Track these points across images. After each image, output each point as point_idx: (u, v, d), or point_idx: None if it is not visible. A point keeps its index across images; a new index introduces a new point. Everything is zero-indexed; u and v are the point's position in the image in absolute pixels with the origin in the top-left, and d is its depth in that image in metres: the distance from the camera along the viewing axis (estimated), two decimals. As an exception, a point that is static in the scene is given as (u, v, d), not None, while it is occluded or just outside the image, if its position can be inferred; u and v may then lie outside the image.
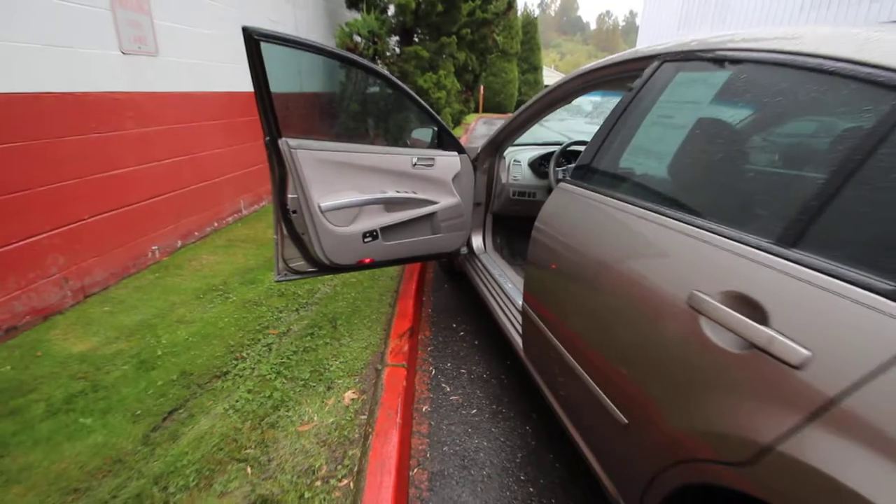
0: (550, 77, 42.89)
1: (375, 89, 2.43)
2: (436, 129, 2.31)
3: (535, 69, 32.23)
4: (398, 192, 2.19)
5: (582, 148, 2.60)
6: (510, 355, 2.26)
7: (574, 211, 1.35)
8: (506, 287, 2.18)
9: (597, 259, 1.18)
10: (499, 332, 2.06)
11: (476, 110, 21.50)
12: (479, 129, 16.75)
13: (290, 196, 1.95)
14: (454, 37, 5.61)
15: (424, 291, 2.93)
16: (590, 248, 1.22)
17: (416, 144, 2.41)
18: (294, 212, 1.98)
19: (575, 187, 1.40)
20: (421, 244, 2.34)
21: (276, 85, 1.70)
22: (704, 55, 1.13)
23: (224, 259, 3.07)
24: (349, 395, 1.82)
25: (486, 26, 8.39)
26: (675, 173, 1.12)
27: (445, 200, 2.34)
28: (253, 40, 1.57)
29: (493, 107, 26.50)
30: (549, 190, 2.56)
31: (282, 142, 1.84)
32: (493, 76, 25.26)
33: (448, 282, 3.11)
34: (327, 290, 2.70)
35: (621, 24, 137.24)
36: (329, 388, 1.85)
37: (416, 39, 5.45)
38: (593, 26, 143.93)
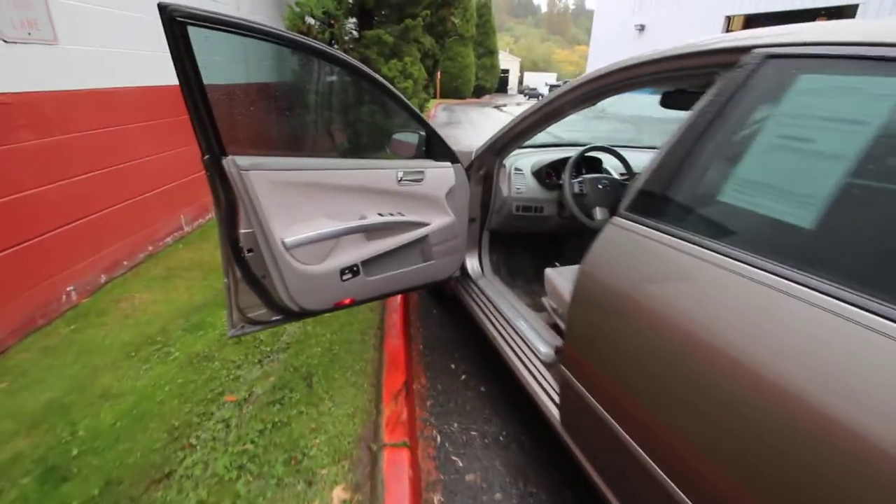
0: (507, 61, 42.60)
1: (344, 85, 1.96)
2: (423, 133, 1.88)
3: (491, 53, 31.85)
4: (382, 215, 1.76)
5: (602, 155, 2.24)
6: (526, 406, 1.89)
7: (648, 261, 0.98)
8: (518, 326, 1.81)
9: (700, 338, 0.82)
10: (510, 378, 1.68)
11: (434, 96, 21.04)
12: (439, 115, 16.24)
13: (242, 231, 1.47)
14: (419, 19, 5.09)
15: (411, 322, 2.51)
16: (685, 318, 0.85)
17: (398, 151, 1.97)
18: (250, 251, 1.50)
19: (644, 227, 1.02)
20: (411, 275, 1.92)
21: (216, 80, 1.22)
22: (852, 54, 0.78)
23: (162, 296, 2.51)
24: (339, 492, 1.40)
25: (444, 8, 7.88)
26: (835, 227, 0.76)
27: (438, 221, 1.92)
28: (176, 23, 1.09)
29: (450, 92, 25.98)
30: (560, 204, 2.19)
31: (227, 161, 1.37)
32: (449, 60, 24.70)
33: (437, 306, 2.70)
34: (296, 332, 2.23)
35: (571, 6, 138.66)
36: (310, 485, 1.42)
37: (377, 22, 4.91)
38: (544, 9, 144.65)
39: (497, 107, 23.06)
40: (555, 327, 1.86)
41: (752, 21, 16.82)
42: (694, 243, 0.90)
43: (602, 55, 19.45)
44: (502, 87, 38.93)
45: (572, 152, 2.12)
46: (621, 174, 2.23)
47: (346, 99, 2.10)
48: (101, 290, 2.55)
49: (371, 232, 1.72)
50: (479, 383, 2.07)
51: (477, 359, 2.22)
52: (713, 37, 1.08)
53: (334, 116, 2.19)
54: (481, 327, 1.99)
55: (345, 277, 1.68)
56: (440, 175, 1.89)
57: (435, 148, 1.89)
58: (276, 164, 1.47)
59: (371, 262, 1.74)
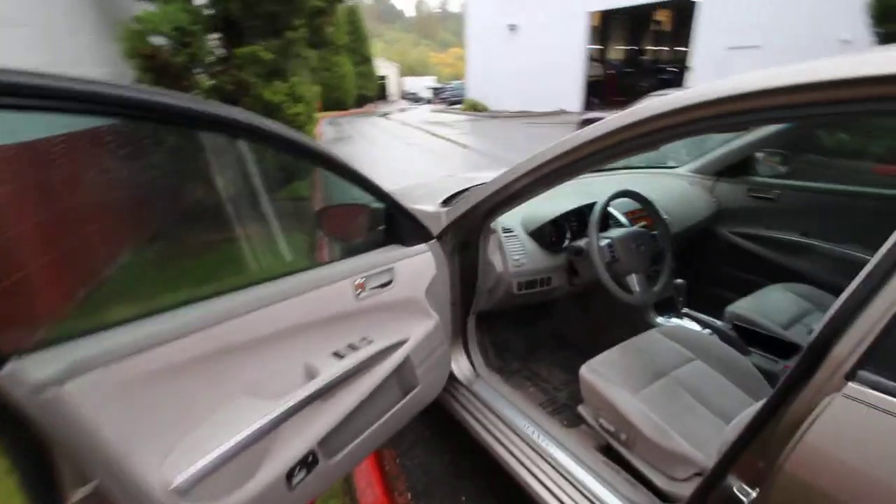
0: (384, 68, 42.00)
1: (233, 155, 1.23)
2: (380, 206, 1.24)
3: (367, 60, 31.15)
4: (340, 355, 1.09)
5: (630, 203, 1.74)
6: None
7: None
8: (560, 461, 1.26)
9: None
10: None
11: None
12: (326, 131, 15.14)
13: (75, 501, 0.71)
14: (302, 30, 4.28)
15: (386, 457, 1.81)
16: None
17: (338, 233, 1.31)
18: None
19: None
20: (392, 421, 1.27)
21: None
22: None
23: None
24: None
25: (321, 16, 7.09)
26: None
27: (420, 329, 1.31)
28: None
29: (331, 104, 24.80)
30: (572, 271, 1.66)
31: (5, 374, 0.61)
32: (326, 71, 23.51)
33: (417, 422, 2.02)
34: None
35: (436, 10, 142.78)
36: None
37: (248, 36, 4.02)
38: (409, 13, 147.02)
39: (383, 115, 22.45)
40: (606, 451, 1.33)
41: (608, 16, 18.31)
42: None
43: (479, 56, 19.87)
44: (382, 94, 38.48)
45: (570, 199, 1.62)
46: (635, 221, 1.77)
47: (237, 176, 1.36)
48: None
49: (327, 391, 1.03)
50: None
51: (498, 497, 1.60)
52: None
53: (227, 210, 1.43)
54: (491, 452, 1.39)
55: (296, 480, 0.98)
56: (416, 267, 1.26)
57: (401, 225, 1.25)
58: (123, 345, 0.73)
59: (334, 434, 1.06)
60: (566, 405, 1.73)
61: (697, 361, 1.42)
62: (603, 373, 1.33)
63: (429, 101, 32.47)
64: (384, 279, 1.18)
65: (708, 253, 2.26)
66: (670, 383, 1.32)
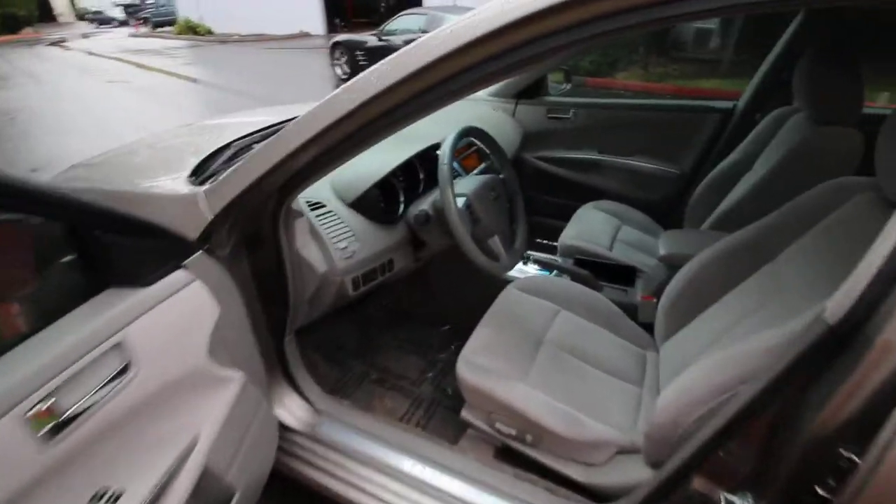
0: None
1: None
2: (49, 211, 0.55)
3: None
4: None
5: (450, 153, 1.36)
6: None
7: None
8: (440, 485, 0.98)
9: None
10: None
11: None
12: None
13: None
14: None
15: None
16: None
17: None
18: None
19: None
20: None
21: None
22: None
23: None
24: None
25: None
26: None
27: (217, 411, 0.76)
28: None
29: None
30: (417, 242, 1.23)
31: None
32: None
33: None
34: None
35: None
36: None
37: None
38: None
39: (57, 43, 16.28)
40: (502, 453, 1.10)
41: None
42: None
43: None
44: (47, 13, 27.84)
45: (386, 149, 1.15)
46: (464, 162, 1.42)
47: None
48: None
49: None
50: None
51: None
52: None
53: None
54: None
55: None
56: (173, 319, 0.66)
57: (118, 247, 0.61)
58: None
59: None
60: (435, 401, 1.42)
61: (563, 312, 1.29)
62: (483, 364, 1.06)
63: (124, 24, 24.90)
64: (106, 372, 0.55)
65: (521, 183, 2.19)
66: (551, 349, 1.16)
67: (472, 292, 1.47)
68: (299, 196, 0.99)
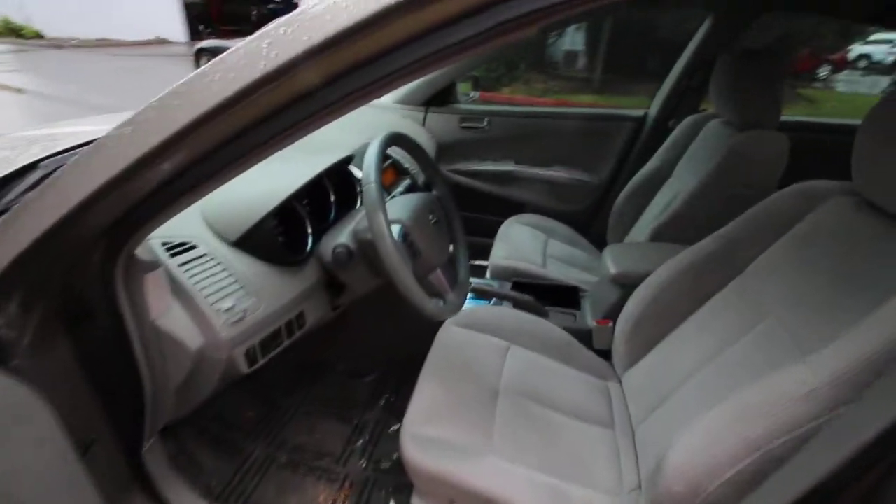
0: None
1: None
2: None
3: None
4: None
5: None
6: None
7: None
8: None
9: None
10: None
11: None
12: None
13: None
14: None
15: None
16: None
17: None
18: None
19: None
20: None
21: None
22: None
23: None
24: None
25: None
26: None
27: None
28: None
29: None
30: (335, 286, 0.93)
31: None
32: None
33: None
34: None
35: None
36: None
37: None
38: None
39: None
40: None
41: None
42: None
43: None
44: None
45: (279, 162, 0.85)
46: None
47: None
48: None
49: None
50: None
51: None
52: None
53: None
54: None
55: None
56: None
57: None
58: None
59: None
60: (370, 482, 1.12)
61: (514, 348, 1.13)
62: (435, 437, 0.83)
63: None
64: None
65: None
66: (510, 399, 0.97)
67: (398, 330, 1.22)
68: (150, 237, 0.65)
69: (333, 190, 0.99)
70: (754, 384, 0.69)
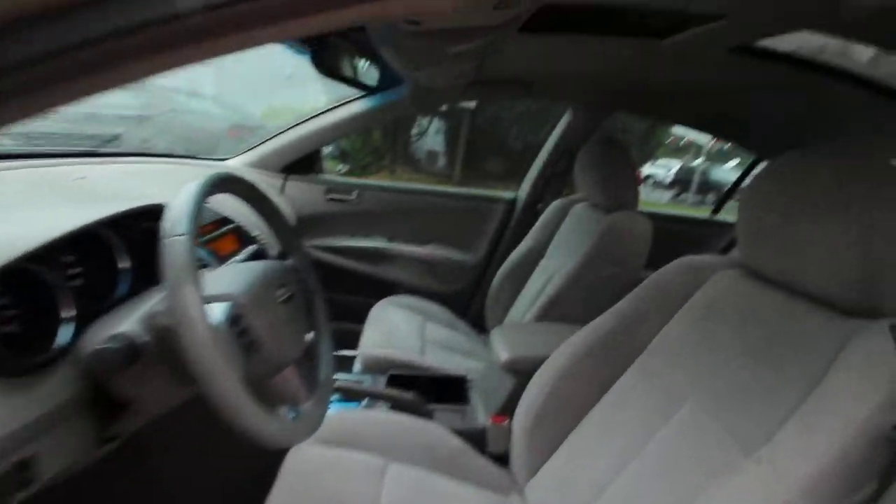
0: None
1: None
2: None
3: None
4: None
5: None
6: None
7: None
8: None
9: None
10: None
11: None
12: None
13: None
14: None
15: None
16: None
17: None
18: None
19: None
20: None
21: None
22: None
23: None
24: None
25: None
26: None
27: None
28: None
29: None
30: (107, 403, 0.56)
31: None
32: None
33: None
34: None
35: None
36: None
37: None
38: None
39: None
40: None
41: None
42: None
43: None
44: None
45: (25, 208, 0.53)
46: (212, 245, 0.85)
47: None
48: None
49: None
50: None
51: None
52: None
53: None
54: None
55: None
56: None
57: None
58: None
59: None
60: None
61: (392, 466, 0.88)
62: None
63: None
64: None
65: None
66: None
67: (219, 468, 0.87)
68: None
69: (129, 256, 0.66)
70: (702, 494, 0.55)
